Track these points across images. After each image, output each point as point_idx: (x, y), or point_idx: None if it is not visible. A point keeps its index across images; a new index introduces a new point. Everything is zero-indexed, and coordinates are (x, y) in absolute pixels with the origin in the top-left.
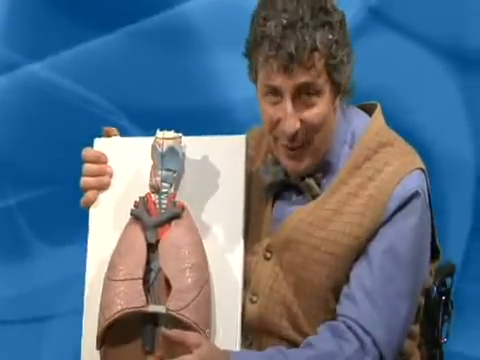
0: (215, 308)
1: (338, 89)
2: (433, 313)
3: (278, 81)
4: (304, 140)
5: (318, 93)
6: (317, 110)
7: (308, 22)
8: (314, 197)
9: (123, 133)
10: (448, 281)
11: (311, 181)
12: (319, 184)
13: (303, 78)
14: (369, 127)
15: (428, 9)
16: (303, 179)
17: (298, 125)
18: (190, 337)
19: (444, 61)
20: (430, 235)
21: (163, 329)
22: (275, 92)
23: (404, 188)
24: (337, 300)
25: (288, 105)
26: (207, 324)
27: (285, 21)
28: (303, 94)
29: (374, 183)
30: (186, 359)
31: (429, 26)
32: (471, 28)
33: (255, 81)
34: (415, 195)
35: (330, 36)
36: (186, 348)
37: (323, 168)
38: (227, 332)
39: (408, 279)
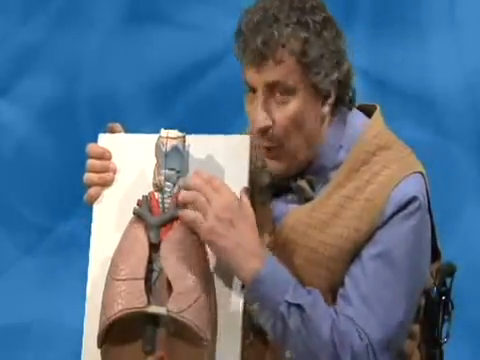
0: (217, 308)
1: (319, 92)
2: (433, 313)
3: (249, 76)
4: (277, 140)
5: (290, 92)
6: (289, 110)
7: (281, 19)
8: (307, 200)
9: None
10: (448, 281)
11: (303, 183)
12: (313, 187)
13: (272, 75)
14: (368, 129)
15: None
16: (295, 180)
17: (267, 122)
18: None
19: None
20: (430, 238)
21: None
22: (251, 89)
23: (402, 192)
24: (334, 301)
25: (258, 101)
26: (208, 325)
27: (257, 17)
28: (276, 93)
29: (372, 186)
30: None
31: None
32: (394, 55)
33: None
34: (413, 199)
35: (303, 34)
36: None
37: (315, 171)
38: (228, 331)
39: (404, 283)
